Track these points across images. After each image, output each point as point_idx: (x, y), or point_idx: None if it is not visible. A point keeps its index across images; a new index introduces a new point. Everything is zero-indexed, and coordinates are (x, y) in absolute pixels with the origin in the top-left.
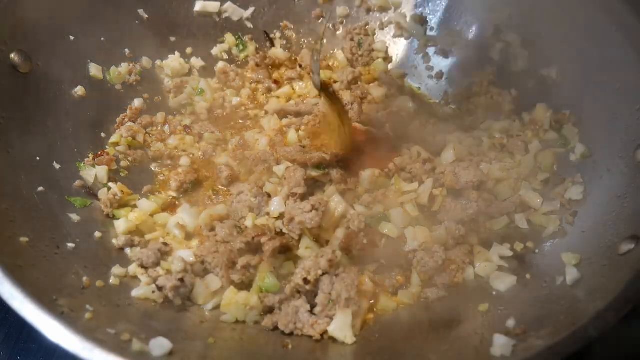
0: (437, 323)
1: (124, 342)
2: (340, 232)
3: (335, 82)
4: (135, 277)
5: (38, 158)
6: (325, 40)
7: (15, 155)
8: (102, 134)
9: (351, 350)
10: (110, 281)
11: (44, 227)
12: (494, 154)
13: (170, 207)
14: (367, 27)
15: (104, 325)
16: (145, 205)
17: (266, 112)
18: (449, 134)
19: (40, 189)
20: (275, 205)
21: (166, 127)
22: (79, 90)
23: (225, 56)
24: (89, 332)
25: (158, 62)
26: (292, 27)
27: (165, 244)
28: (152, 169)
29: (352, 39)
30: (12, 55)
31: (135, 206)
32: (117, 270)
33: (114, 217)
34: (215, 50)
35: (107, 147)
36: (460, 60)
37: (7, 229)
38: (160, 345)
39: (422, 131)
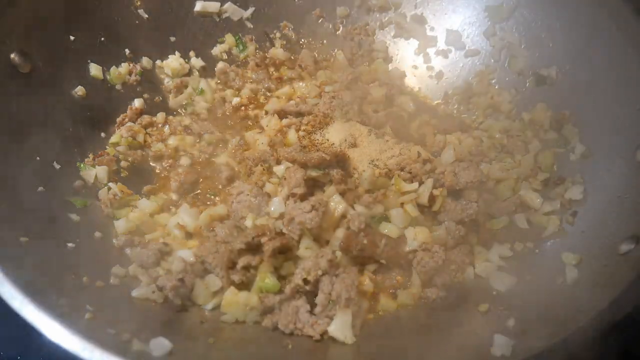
0: (437, 323)
1: (124, 342)
2: (340, 232)
3: (335, 82)
4: (135, 277)
5: (38, 158)
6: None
7: (15, 155)
8: (102, 134)
9: (351, 350)
10: (110, 281)
11: (44, 227)
12: (494, 154)
13: (170, 207)
14: (367, 27)
15: (104, 325)
16: (145, 205)
17: (266, 112)
18: (448, 134)
19: (40, 189)
20: (275, 205)
21: (166, 127)
22: (79, 90)
23: (225, 56)
24: (89, 332)
25: (158, 62)
26: (292, 27)
27: (165, 244)
28: (152, 169)
29: (352, 39)
30: (12, 55)
31: (135, 206)
32: (117, 270)
33: (114, 217)
34: (215, 50)
35: (107, 147)
36: (460, 60)
37: (7, 229)
38: (160, 345)
39: (422, 131)
